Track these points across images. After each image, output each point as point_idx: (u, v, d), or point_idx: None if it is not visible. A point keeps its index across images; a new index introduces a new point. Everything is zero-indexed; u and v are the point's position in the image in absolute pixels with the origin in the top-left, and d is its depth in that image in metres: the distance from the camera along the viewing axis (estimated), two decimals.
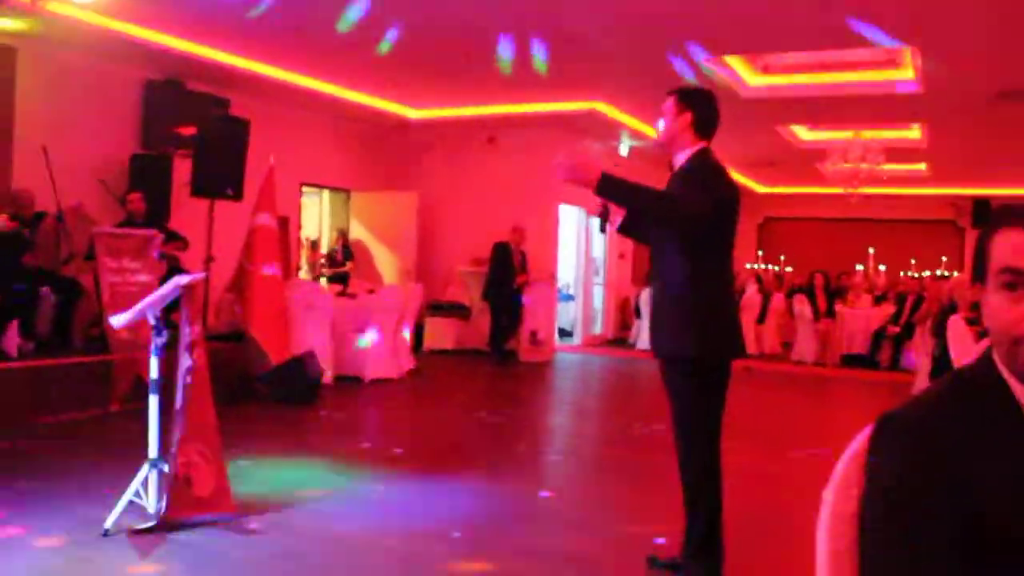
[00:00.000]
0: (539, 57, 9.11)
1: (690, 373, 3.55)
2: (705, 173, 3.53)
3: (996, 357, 1.36)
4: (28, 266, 7.55)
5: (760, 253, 18.65)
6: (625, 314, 16.19)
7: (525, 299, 12.18)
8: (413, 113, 12.57)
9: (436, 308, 12.80)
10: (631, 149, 14.22)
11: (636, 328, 14.89)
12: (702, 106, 3.67)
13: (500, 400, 9.32)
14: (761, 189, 19.88)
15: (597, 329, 15.53)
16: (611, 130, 13.04)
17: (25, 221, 7.64)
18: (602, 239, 15.56)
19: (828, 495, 1.52)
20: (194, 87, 10.35)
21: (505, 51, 8.89)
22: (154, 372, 4.39)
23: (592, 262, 15.31)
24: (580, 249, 14.92)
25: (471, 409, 8.39)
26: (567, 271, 14.81)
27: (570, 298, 15.06)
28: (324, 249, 13.38)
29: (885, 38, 8.07)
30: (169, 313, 4.58)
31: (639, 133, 13.08)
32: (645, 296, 14.24)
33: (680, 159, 3.64)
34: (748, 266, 18.44)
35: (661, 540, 4.31)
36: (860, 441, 1.50)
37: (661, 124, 3.71)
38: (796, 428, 8.42)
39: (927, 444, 1.28)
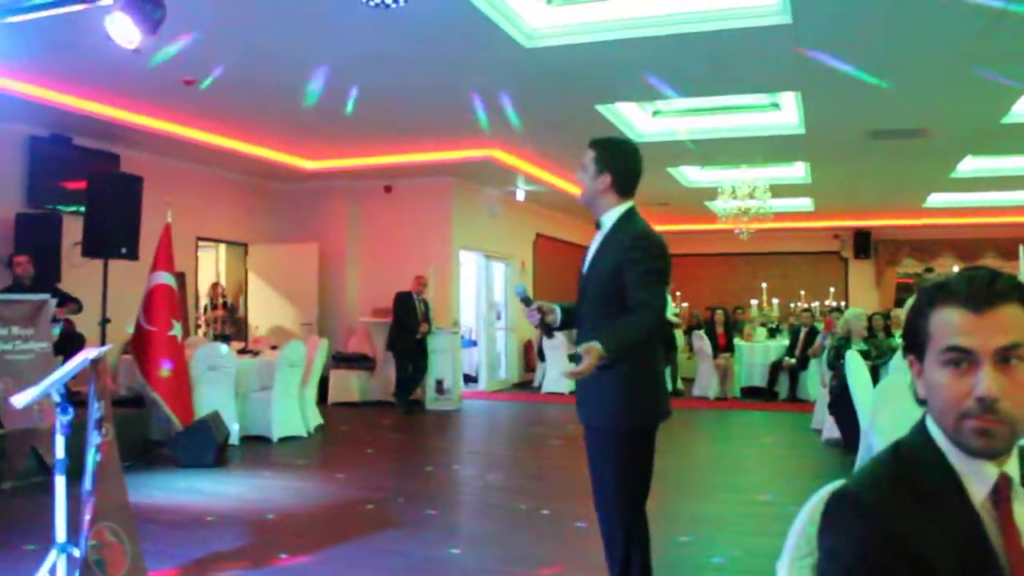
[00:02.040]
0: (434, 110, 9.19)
1: (623, 442, 3.39)
2: (649, 251, 3.33)
3: (931, 428, 1.43)
4: None
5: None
6: (528, 357, 16.29)
7: (429, 348, 12.14)
8: (309, 164, 12.46)
9: (340, 360, 12.64)
10: (527, 194, 14.42)
11: (540, 371, 14.99)
12: (621, 164, 3.47)
13: (410, 453, 9.22)
14: (660, 227, 20.28)
15: (501, 374, 15.57)
16: (508, 176, 13.19)
17: None
18: (503, 283, 15.67)
19: (781, 570, 1.57)
20: (81, 143, 10.06)
21: (400, 105, 8.94)
22: (60, 451, 4.18)
23: (494, 306, 15.39)
24: (481, 294, 14.98)
25: (380, 465, 8.28)
26: (469, 316, 14.84)
27: (473, 343, 15.07)
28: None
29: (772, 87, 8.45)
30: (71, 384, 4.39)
31: (535, 178, 13.28)
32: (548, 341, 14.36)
33: (607, 221, 3.47)
34: None
35: None
36: (808, 514, 1.57)
37: (582, 179, 3.52)
38: (714, 466, 8.58)
39: (884, 525, 1.32)
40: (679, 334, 15.20)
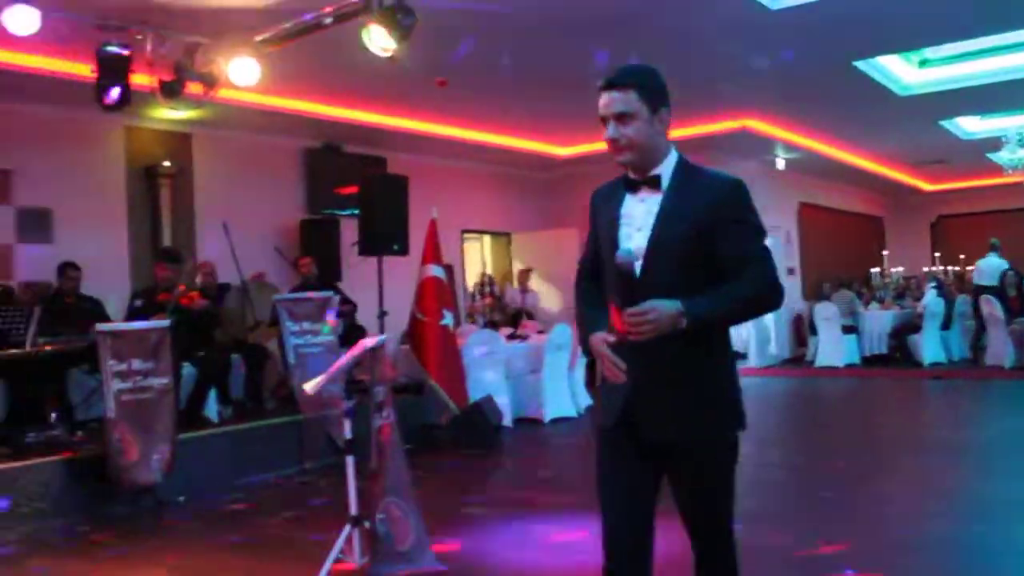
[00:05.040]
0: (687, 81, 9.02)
1: (730, 452, 2.60)
2: (751, 205, 2.55)
3: None
4: (219, 337, 8.01)
5: (937, 255, 17.69)
6: (799, 331, 15.66)
7: None
8: (562, 150, 12.66)
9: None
10: (787, 162, 13.85)
11: (812, 344, 14.38)
12: (665, 95, 2.59)
13: None
14: (929, 187, 18.92)
15: (772, 349, 15.08)
16: (765, 145, 12.75)
17: (212, 294, 8.12)
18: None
19: None
20: (351, 150, 10.81)
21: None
22: (347, 433, 4.52)
23: None
24: None
25: None
26: None
27: None
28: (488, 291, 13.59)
29: None
30: (354, 373, 4.71)
31: (794, 144, 12.75)
32: (821, 310, 13.76)
33: (665, 172, 2.58)
34: (924, 269, 17.53)
35: None
36: None
37: (623, 131, 2.52)
38: (1003, 441, 7.87)
39: None
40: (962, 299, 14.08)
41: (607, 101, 2.53)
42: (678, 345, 2.42)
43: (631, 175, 2.63)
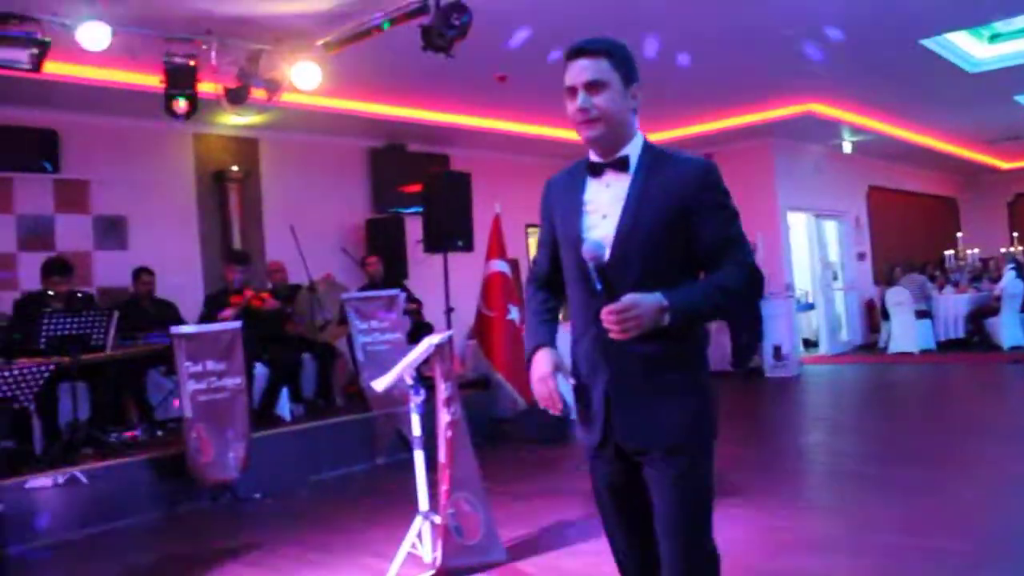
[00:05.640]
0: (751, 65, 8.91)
1: (706, 460, 2.40)
2: (727, 191, 2.36)
3: None
4: (290, 336, 8.18)
5: (1015, 235, 17.13)
6: (871, 317, 15.36)
7: (764, 313, 11.83)
8: None
9: None
10: (854, 145, 13.57)
11: (884, 331, 14.10)
12: (636, 70, 2.39)
13: (751, 421, 9.04)
14: (1005, 165, 18.36)
15: (843, 336, 14.83)
16: (831, 129, 12.52)
17: (282, 294, 8.29)
18: (837, 242, 14.93)
19: None
20: (414, 148, 10.91)
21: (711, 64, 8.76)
22: (416, 429, 4.59)
23: (829, 267, 14.68)
24: (814, 255, 14.34)
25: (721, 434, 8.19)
26: (803, 279, 14.26)
27: (810, 307, 14.49)
28: None
29: None
30: (422, 369, 4.77)
31: (861, 127, 12.49)
32: (893, 295, 13.48)
33: (632, 153, 2.37)
34: (1002, 250, 17.01)
35: None
36: None
37: (594, 100, 2.31)
38: None
39: None
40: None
41: (576, 70, 2.32)
42: (656, 344, 2.24)
43: (594, 157, 2.42)
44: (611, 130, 2.33)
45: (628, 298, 2.15)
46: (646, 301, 2.15)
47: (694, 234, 2.29)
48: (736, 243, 2.31)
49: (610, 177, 2.38)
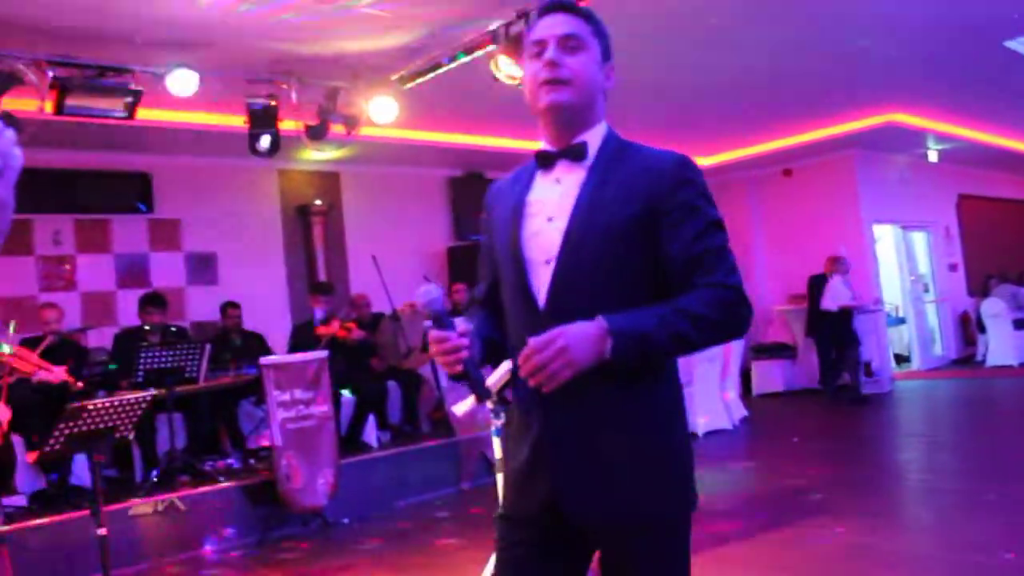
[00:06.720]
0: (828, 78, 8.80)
1: (679, 540, 1.87)
2: (706, 189, 1.89)
3: None
4: (375, 365, 8.36)
5: None
6: (966, 330, 14.89)
7: (856, 329, 11.58)
8: (706, 160, 12.51)
9: (759, 350, 12.50)
10: (940, 153, 13.23)
11: (981, 343, 13.65)
12: (611, 49, 2.04)
13: (840, 439, 8.84)
14: None
15: (937, 350, 14.40)
16: (915, 138, 12.24)
17: (366, 324, 8.48)
18: (926, 253, 14.53)
19: None
20: (492, 175, 11.05)
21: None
22: (498, 452, 4.65)
23: (919, 279, 14.30)
24: (903, 267, 13.99)
25: (809, 453, 8.05)
26: (892, 293, 13.92)
27: (900, 321, 14.11)
28: None
29: None
30: (503, 393, 4.83)
31: (947, 135, 12.18)
32: (988, 306, 13.07)
33: (592, 142, 1.95)
34: None
35: None
36: None
37: (567, 59, 1.88)
38: None
39: None
40: None
41: (550, 21, 1.89)
42: (607, 385, 1.74)
43: (545, 146, 1.95)
44: (579, 100, 1.88)
45: (548, 333, 1.63)
46: (573, 328, 1.64)
47: (661, 244, 1.80)
48: (716, 258, 1.81)
49: (562, 171, 1.91)
